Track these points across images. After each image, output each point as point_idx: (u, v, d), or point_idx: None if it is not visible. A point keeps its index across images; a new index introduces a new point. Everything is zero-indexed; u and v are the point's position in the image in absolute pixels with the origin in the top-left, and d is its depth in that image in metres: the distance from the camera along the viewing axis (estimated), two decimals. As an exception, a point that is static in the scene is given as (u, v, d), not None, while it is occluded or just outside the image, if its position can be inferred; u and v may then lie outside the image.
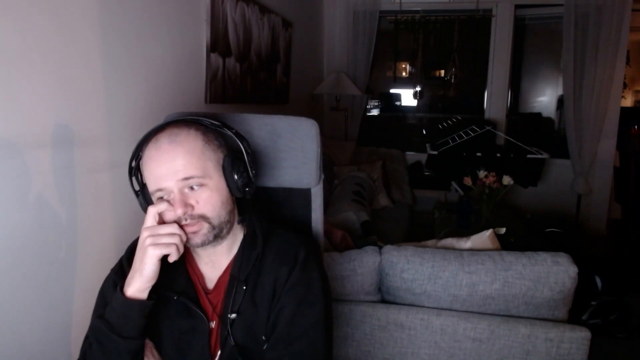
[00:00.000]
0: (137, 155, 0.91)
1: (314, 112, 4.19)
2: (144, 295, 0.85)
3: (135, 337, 0.86)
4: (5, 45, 1.04)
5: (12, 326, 1.10)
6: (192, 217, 0.86)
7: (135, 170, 0.93)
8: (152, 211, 0.86)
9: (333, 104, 4.24)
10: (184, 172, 0.85)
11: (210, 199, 0.88)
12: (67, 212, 1.26)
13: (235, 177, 0.91)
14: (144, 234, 0.85)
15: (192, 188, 0.87)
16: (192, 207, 0.86)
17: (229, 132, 0.94)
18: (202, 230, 0.87)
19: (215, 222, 0.89)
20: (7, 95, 1.05)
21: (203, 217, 0.87)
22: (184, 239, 0.86)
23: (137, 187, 0.94)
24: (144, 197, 0.92)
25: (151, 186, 0.88)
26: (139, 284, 0.85)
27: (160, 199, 0.87)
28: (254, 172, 0.94)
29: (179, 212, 0.85)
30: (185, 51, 1.88)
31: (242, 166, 0.92)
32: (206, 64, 2.05)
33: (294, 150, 1.11)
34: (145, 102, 1.58)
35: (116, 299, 0.86)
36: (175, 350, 0.92)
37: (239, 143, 0.94)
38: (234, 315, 0.92)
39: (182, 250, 0.86)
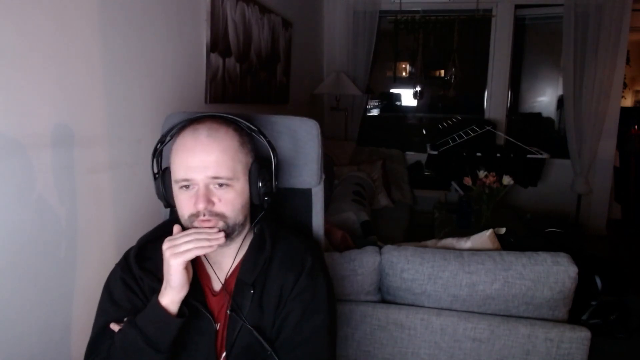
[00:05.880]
0: (165, 139, 0.93)
1: (314, 112, 4.18)
2: (176, 306, 0.86)
3: (167, 352, 0.85)
4: (5, 45, 1.04)
5: (12, 326, 1.10)
6: (211, 213, 0.87)
7: (157, 154, 0.94)
8: (177, 228, 0.88)
9: (333, 104, 4.24)
10: (215, 170, 0.86)
11: (233, 200, 0.89)
12: (67, 212, 1.26)
13: (260, 184, 0.92)
14: (164, 246, 0.85)
15: (219, 185, 0.87)
16: (214, 204, 0.87)
17: (262, 139, 0.95)
18: (216, 228, 0.88)
19: (231, 222, 0.89)
20: (7, 95, 1.05)
21: (221, 215, 0.88)
22: (212, 237, 0.85)
23: (155, 170, 0.95)
24: (162, 182, 0.93)
25: (178, 174, 0.87)
26: (171, 295, 0.85)
27: (184, 187, 0.87)
28: (276, 183, 0.95)
29: (201, 206, 0.85)
30: (185, 51, 1.88)
31: (267, 175, 0.93)
32: (206, 64, 2.05)
33: (295, 151, 1.11)
34: (145, 102, 1.58)
35: (153, 309, 0.85)
36: (182, 349, 0.92)
37: (270, 152, 0.95)
38: (242, 316, 0.91)
39: (209, 247, 0.85)
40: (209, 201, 0.86)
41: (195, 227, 0.87)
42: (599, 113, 3.76)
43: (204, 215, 0.86)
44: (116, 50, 1.41)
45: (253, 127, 0.94)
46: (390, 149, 4.22)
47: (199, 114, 0.92)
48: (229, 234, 0.89)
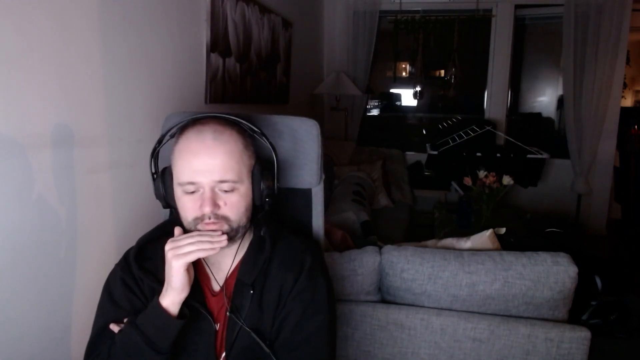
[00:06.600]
0: (163, 139, 0.92)
1: (314, 112, 4.18)
2: (176, 307, 0.86)
3: (167, 353, 0.85)
4: (5, 45, 1.04)
5: (12, 326, 1.10)
6: (216, 216, 0.86)
7: (156, 155, 0.94)
8: (178, 230, 0.88)
9: (333, 104, 4.24)
10: (222, 173, 0.85)
11: (238, 203, 0.88)
12: (67, 212, 1.26)
13: (262, 186, 0.91)
14: (166, 248, 0.85)
15: (224, 190, 0.87)
16: (219, 207, 0.87)
17: (264, 141, 0.95)
18: (219, 231, 0.87)
19: (235, 225, 0.89)
20: (7, 95, 1.05)
21: (226, 219, 0.88)
22: (215, 239, 0.85)
23: (154, 170, 0.95)
24: (163, 182, 0.92)
25: (182, 177, 0.86)
26: (171, 296, 0.85)
27: (188, 190, 0.87)
28: (278, 184, 0.95)
29: (207, 210, 0.85)
30: (185, 51, 1.88)
31: (270, 177, 0.93)
32: (206, 64, 2.05)
33: (295, 151, 1.11)
34: (145, 102, 1.58)
35: (154, 310, 0.85)
36: (182, 350, 0.92)
37: (271, 153, 0.95)
38: (240, 318, 0.91)
39: (211, 250, 0.85)
40: (215, 205, 0.86)
41: (199, 230, 0.87)
42: (599, 113, 3.76)
43: (209, 218, 0.86)
44: (116, 50, 1.41)
45: (256, 129, 0.94)
46: (390, 149, 4.22)
47: (201, 114, 0.92)
48: (233, 236, 0.89)
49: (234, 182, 0.87)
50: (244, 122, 0.93)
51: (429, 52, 4.41)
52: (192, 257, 0.84)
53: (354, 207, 2.73)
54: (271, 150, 0.95)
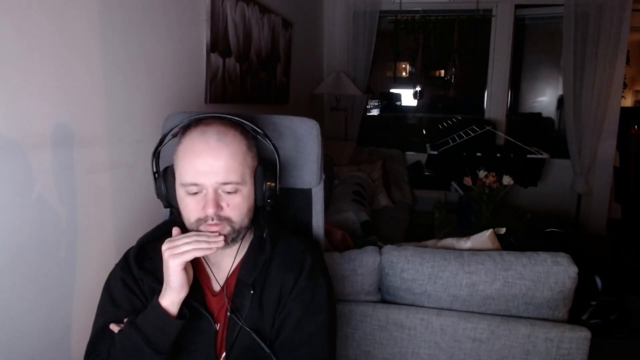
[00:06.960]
0: (164, 139, 0.92)
1: (314, 112, 4.18)
2: (176, 307, 0.86)
3: (167, 353, 0.85)
4: (5, 45, 1.04)
5: (12, 326, 1.10)
6: (219, 217, 0.86)
7: (158, 154, 0.94)
8: (176, 230, 0.88)
9: (333, 104, 4.24)
10: (225, 175, 0.85)
11: (240, 204, 0.88)
12: (67, 212, 1.26)
13: (265, 188, 0.92)
14: (163, 247, 0.85)
15: (227, 191, 0.87)
16: (222, 208, 0.87)
17: (267, 142, 0.95)
18: (223, 231, 0.87)
19: (237, 226, 0.89)
20: (7, 95, 1.05)
21: (228, 220, 0.88)
22: (211, 239, 0.85)
23: (155, 170, 0.94)
24: (165, 182, 0.91)
25: (186, 178, 0.86)
26: (171, 296, 0.85)
27: (191, 191, 0.86)
28: (280, 185, 0.95)
29: (210, 211, 0.85)
30: (185, 51, 1.88)
31: (272, 178, 0.93)
32: (206, 64, 2.05)
33: (295, 151, 1.11)
34: (145, 102, 1.58)
35: (154, 310, 0.85)
36: (182, 350, 0.92)
37: (274, 154, 0.95)
38: (240, 318, 0.91)
39: (208, 250, 0.85)
40: (218, 206, 0.86)
41: (198, 231, 0.87)
42: (599, 113, 3.75)
43: (212, 220, 0.86)
44: (116, 50, 1.41)
45: (259, 130, 0.94)
46: (390, 149, 4.22)
47: (203, 114, 0.91)
48: (234, 238, 0.89)
49: (237, 183, 0.87)
50: (247, 123, 0.93)
51: (429, 52, 4.41)
52: (189, 257, 0.84)
53: (354, 207, 2.73)
54: (273, 151, 0.95)
